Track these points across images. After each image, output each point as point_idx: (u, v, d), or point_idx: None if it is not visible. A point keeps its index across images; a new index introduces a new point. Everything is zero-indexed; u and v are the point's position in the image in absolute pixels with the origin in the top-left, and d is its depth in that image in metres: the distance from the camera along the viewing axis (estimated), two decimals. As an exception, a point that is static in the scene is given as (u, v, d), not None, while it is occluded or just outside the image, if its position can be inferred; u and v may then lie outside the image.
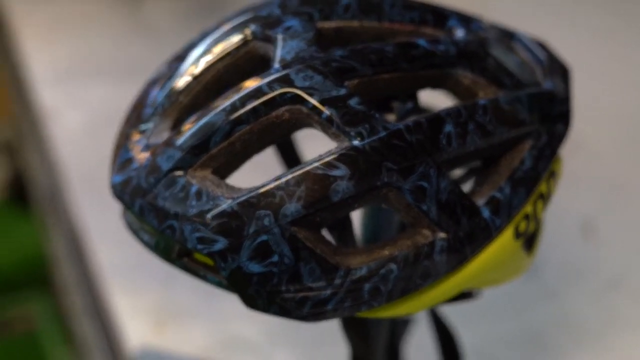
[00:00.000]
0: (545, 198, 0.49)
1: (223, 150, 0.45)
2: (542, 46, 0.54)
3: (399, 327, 0.66)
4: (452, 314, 0.82)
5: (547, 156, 0.48)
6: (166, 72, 0.50)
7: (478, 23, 0.51)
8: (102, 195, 0.67)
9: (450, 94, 0.49)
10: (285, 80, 0.44)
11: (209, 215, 0.43)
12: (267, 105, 0.44)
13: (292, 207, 0.43)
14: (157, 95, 0.49)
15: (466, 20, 0.51)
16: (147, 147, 0.47)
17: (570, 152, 1.00)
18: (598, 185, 0.97)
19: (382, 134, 0.43)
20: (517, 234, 0.48)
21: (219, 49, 0.48)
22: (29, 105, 1.18)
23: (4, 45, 1.27)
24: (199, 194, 0.44)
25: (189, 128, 0.45)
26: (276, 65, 0.46)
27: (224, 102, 0.45)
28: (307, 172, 0.43)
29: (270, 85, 0.44)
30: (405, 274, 0.44)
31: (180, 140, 0.45)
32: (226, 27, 0.49)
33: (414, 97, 0.49)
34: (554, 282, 0.85)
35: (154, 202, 0.45)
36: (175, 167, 0.45)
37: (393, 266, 0.44)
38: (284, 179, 0.43)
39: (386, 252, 0.45)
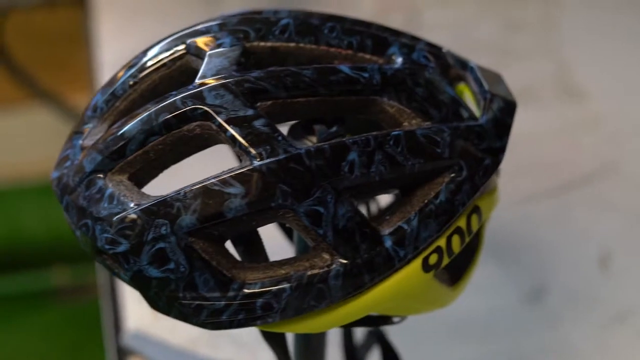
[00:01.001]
0: (463, 233, 0.49)
1: (138, 157, 0.47)
2: (496, 79, 0.54)
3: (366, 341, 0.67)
4: (446, 330, 0.82)
5: (466, 191, 0.48)
6: (113, 77, 0.52)
7: (422, 52, 0.51)
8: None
9: (378, 121, 0.50)
10: (198, 97, 0.46)
11: (115, 219, 0.46)
12: (178, 119, 0.46)
13: (187, 219, 0.45)
14: (99, 98, 0.51)
15: (409, 48, 0.51)
16: (81, 148, 0.50)
17: (602, 175, 0.98)
18: (625, 212, 0.94)
19: (281, 156, 0.45)
20: (427, 267, 0.48)
21: (158, 59, 0.50)
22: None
23: (86, 28, 1.33)
24: (111, 197, 0.47)
25: (111, 134, 0.48)
26: (196, 81, 0.47)
27: (143, 113, 0.47)
28: (205, 187, 0.45)
29: (184, 100, 0.46)
30: (298, 295, 0.46)
31: (102, 145, 0.48)
32: (171, 38, 0.51)
33: (340, 121, 0.50)
34: (559, 308, 0.84)
35: (76, 200, 0.48)
36: (96, 170, 0.48)
37: (286, 285, 0.46)
38: (183, 191, 0.45)
39: (282, 271, 0.46)
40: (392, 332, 0.69)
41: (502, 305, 0.85)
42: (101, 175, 0.48)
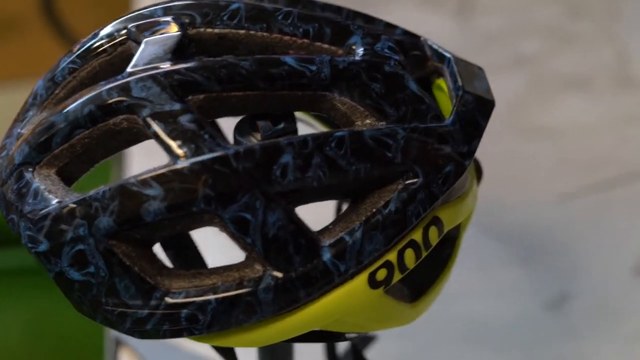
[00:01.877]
0: (419, 248, 0.45)
1: (65, 151, 0.44)
2: (475, 75, 0.49)
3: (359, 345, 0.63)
4: (461, 333, 0.77)
5: (421, 200, 0.44)
6: (56, 63, 0.49)
7: (388, 43, 0.47)
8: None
9: (331, 119, 0.46)
10: (124, 89, 0.43)
11: (37, 216, 0.43)
12: (103, 112, 0.43)
13: (104, 221, 0.41)
14: (40, 85, 0.48)
15: (373, 38, 0.47)
16: (17, 137, 0.47)
17: (631, 180, 0.91)
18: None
19: (206, 156, 0.41)
20: (374, 283, 0.44)
21: (99, 45, 0.47)
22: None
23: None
24: (35, 193, 0.44)
25: (40, 125, 0.45)
26: (127, 70, 0.44)
27: (70, 104, 0.44)
28: (123, 186, 0.41)
29: (110, 92, 0.43)
30: (224, 308, 0.42)
31: (31, 137, 0.45)
32: (115, 22, 0.48)
33: (288, 118, 0.46)
34: (582, 317, 0.78)
35: (6, 192, 0.45)
36: (25, 162, 0.45)
37: (212, 297, 0.42)
38: (102, 190, 0.42)
39: (209, 281, 0.43)
40: (402, 334, 0.64)
41: (522, 311, 0.79)
42: (30, 168, 0.45)
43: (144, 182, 0.41)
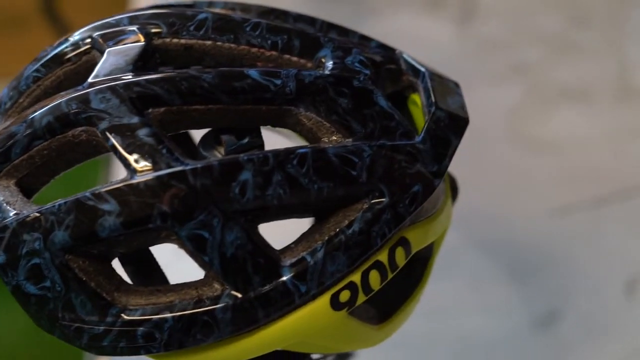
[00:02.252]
0: (385, 269, 0.43)
1: (24, 162, 0.43)
2: (449, 90, 0.47)
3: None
4: (445, 350, 0.76)
5: (386, 221, 0.42)
6: (22, 71, 0.48)
7: (359, 56, 0.45)
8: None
9: (297, 135, 0.44)
10: (83, 100, 0.42)
11: None
12: (61, 124, 0.42)
13: (59, 236, 0.40)
14: (4, 93, 0.47)
15: (343, 51, 0.45)
16: None
17: (627, 196, 0.89)
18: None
19: (162, 172, 0.40)
20: (337, 305, 0.42)
21: (63, 54, 0.46)
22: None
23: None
24: None
25: (0, 134, 0.44)
26: (88, 81, 0.43)
27: (30, 114, 0.43)
28: (79, 200, 0.40)
29: (68, 103, 0.42)
30: (181, 326, 0.41)
31: None
32: (82, 30, 0.47)
33: (254, 132, 0.44)
34: (572, 336, 0.76)
35: None
36: None
37: (168, 315, 0.41)
38: (58, 204, 0.41)
39: (166, 299, 0.42)
40: (389, 349, 0.63)
41: (510, 328, 0.78)
42: None
43: (100, 197, 0.40)
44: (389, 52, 0.49)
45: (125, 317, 0.41)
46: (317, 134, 0.43)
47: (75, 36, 0.46)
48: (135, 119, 0.41)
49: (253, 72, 0.42)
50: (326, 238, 0.42)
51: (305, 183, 0.41)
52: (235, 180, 0.40)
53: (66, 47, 0.45)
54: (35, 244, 0.41)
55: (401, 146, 0.43)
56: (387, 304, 0.47)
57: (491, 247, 0.85)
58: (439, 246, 0.49)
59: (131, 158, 0.40)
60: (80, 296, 0.41)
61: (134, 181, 0.40)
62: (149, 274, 0.44)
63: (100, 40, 0.45)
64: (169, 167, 0.40)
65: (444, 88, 0.47)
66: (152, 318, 0.41)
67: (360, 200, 0.42)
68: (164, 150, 0.40)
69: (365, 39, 0.49)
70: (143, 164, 0.40)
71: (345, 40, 0.47)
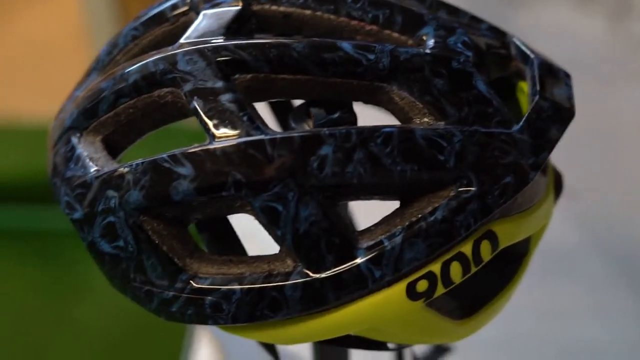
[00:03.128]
0: (468, 262, 0.41)
1: (110, 119, 0.43)
2: (558, 80, 0.44)
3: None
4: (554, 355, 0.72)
5: (472, 211, 0.40)
6: (122, 29, 0.48)
7: (463, 37, 0.43)
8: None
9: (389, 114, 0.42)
10: (170, 61, 0.41)
11: (75, 183, 0.42)
12: (147, 83, 0.42)
13: (134, 195, 0.40)
14: (104, 50, 0.47)
15: (447, 30, 0.43)
16: (75, 99, 0.46)
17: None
18: None
19: (241, 139, 0.39)
20: (413, 294, 0.40)
21: (163, 14, 0.46)
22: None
23: None
24: (78, 159, 0.43)
25: (90, 90, 0.44)
26: (179, 42, 0.42)
27: (120, 71, 0.43)
28: (155, 162, 0.40)
29: (156, 62, 0.41)
30: (250, 299, 0.40)
31: (81, 101, 0.44)
32: None
33: (346, 107, 0.43)
34: None
35: (55, 155, 0.45)
36: (72, 127, 0.44)
37: (237, 287, 0.40)
38: (135, 163, 0.40)
39: (237, 270, 0.41)
40: (486, 347, 0.61)
41: (625, 340, 0.73)
42: (77, 133, 0.44)
43: (176, 160, 0.39)
44: (499, 36, 0.46)
45: (194, 284, 0.40)
46: (409, 114, 0.41)
47: None
48: (219, 84, 0.40)
49: (346, 45, 0.40)
50: (407, 223, 0.40)
51: (388, 163, 0.39)
52: (315, 154, 0.38)
53: (166, 7, 0.45)
54: (111, 202, 0.41)
55: (496, 134, 0.40)
56: (471, 299, 0.45)
57: (617, 253, 0.80)
58: (536, 243, 0.46)
59: (211, 123, 0.39)
60: (151, 259, 0.41)
61: (211, 146, 0.39)
62: (226, 243, 0.43)
63: (199, 1, 0.44)
64: (248, 135, 0.39)
65: (552, 77, 0.44)
66: (220, 288, 0.40)
67: (447, 187, 0.40)
68: (245, 118, 0.39)
69: (476, 20, 0.46)
70: (222, 130, 0.39)
71: (452, 19, 0.45)
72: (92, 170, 0.42)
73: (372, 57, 0.40)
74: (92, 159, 0.43)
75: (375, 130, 0.39)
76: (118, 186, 0.41)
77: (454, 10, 0.46)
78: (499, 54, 0.45)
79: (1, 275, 1.44)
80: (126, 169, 0.41)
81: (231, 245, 0.43)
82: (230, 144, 0.39)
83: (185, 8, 0.45)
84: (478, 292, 0.45)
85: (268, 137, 0.39)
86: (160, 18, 0.45)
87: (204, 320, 0.41)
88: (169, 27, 0.45)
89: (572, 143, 0.89)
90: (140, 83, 0.41)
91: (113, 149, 0.44)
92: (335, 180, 0.39)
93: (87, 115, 0.43)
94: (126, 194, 0.40)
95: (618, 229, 0.83)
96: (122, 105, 0.42)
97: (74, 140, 0.44)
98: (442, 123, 0.40)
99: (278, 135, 0.39)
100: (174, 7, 0.45)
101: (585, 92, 0.99)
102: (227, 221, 0.43)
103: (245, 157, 0.38)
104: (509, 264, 0.46)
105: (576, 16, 1.09)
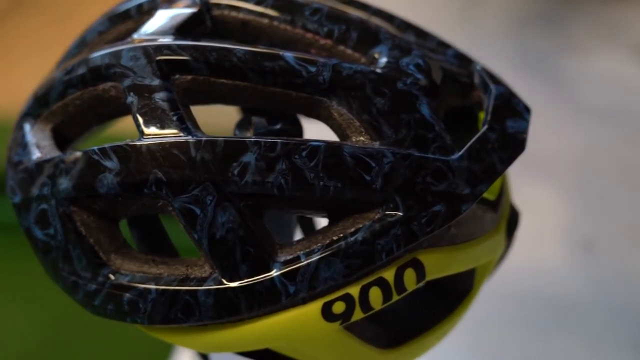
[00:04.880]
0: (389, 289, 0.39)
1: (60, 109, 0.44)
2: (515, 113, 0.43)
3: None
4: None
5: (396, 236, 0.39)
6: (92, 23, 0.48)
7: (418, 60, 0.42)
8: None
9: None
10: (116, 56, 0.41)
11: (19, 167, 0.43)
12: (93, 75, 0.42)
13: (65, 184, 0.41)
14: (73, 44, 0.48)
15: (403, 51, 0.42)
16: None
17: None
18: None
19: (166, 139, 0.38)
20: (329, 315, 0.39)
21: (128, 10, 0.46)
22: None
23: None
24: (25, 145, 0.44)
25: (46, 79, 0.44)
26: (130, 37, 0.42)
27: (71, 63, 0.43)
28: (86, 153, 0.40)
29: (103, 56, 0.42)
30: (164, 301, 0.40)
31: (38, 88, 0.45)
32: None
33: (290, 119, 0.42)
34: None
35: (10, 139, 0.45)
36: (27, 113, 0.45)
37: (153, 287, 0.40)
38: (68, 153, 0.41)
39: (157, 270, 0.41)
40: None
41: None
42: (31, 120, 0.45)
43: (105, 153, 0.39)
44: (464, 63, 0.45)
45: (114, 279, 0.40)
46: (346, 131, 0.40)
47: None
48: (156, 82, 0.40)
49: (288, 55, 0.40)
50: (327, 241, 0.39)
51: (310, 177, 0.38)
52: (237, 160, 0.38)
53: (132, 6, 0.45)
54: (44, 189, 0.41)
55: (431, 160, 0.39)
56: (400, 329, 0.43)
57: (623, 309, 0.77)
58: (482, 280, 0.45)
59: (142, 120, 0.39)
60: (77, 249, 0.41)
61: (138, 143, 0.39)
62: (154, 243, 0.43)
63: (161, 1, 0.44)
64: (174, 135, 0.38)
65: (509, 109, 0.43)
66: (137, 286, 0.40)
67: (374, 209, 0.39)
68: (175, 118, 0.39)
69: (443, 46, 0.45)
70: (151, 128, 0.39)
71: (414, 41, 0.44)
72: (34, 157, 0.43)
73: (313, 69, 0.40)
74: (39, 146, 0.43)
75: (302, 143, 0.38)
76: (52, 174, 0.41)
77: (422, 33, 0.46)
78: (460, 82, 0.44)
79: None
80: (61, 158, 0.41)
81: (159, 245, 0.43)
82: (156, 142, 0.38)
83: (148, 7, 0.45)
84: (408, 323, 0.43)
85: (193, 138, 0.38)
86: (125, 15, 0.45)
87: (123, 317, 0.41)
88: (133, 24, 0.45)
89: (593, 193, 0.87)
90: (87, 75, 0.42)
91: (63, 139, 0.44)
92: (256, 189, 0.38)
93: (40, 103, 0.44)
94: (57, 183, 0.41)
95: (634, 285, 0.80)
96: (70, 95, 0.43)
97: (27, 126, 0.44)
98: (377, 143, 0.39)
99: (203, 138, 0.38)
100: (140, 6, 0.45)
101: (626, 144, 0.96)
102: (159, 221, 0.43)
103: (167, 157, 0.38)
104: (449, 299, 0.44)
105: (629, 67, 1.06)
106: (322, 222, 0.42)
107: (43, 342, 1.25)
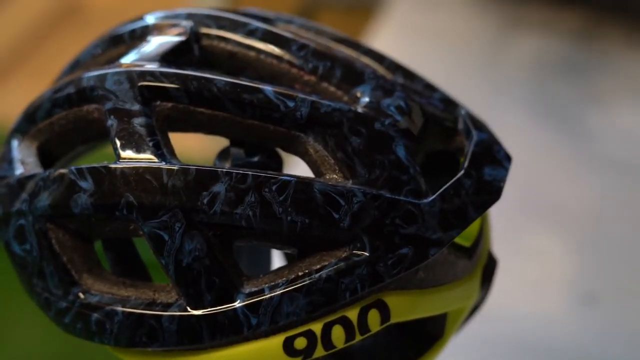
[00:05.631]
0: (352, 328, 0.39)
1: (45, 127, 0.45)
2: (494, 160, 0.43)
3: None
4: None
5: (360, 276, 0.39)
6: (88, 46, 0.49)
7: (400, 101, 0.42)
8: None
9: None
10: (101, 79, 0.42)
11: (2, 182, 0.44)
12: (79, 96, 0.43)
13: (42, 201, 0.41)
14: (68, 65, 0.49)
15: (385, 92, 0.42)
16: None
17: None
18: None
19: (140, 163, 0.39)
20: (291, 350, 0.39)
21: (122, 35, 0.47)
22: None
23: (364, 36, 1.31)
24: (11, 160, 0.45)
25: (37, 97, 0.45)
26: (119, 61, 0.43)
27: (60, 82, 0.44)
28: (64, 173, 0.41)
29: (89, 78, 0.42)
30: (129, 324, 0.40)
31: (28, 106, 0.46)
32: (146, 16, 0.47)
33: (268, 152, 0.43)
34: None
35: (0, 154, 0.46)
36: (16, 129, 0.46)
37: (119, 309, 0.40)
38: (49, 171, 0.42)
39: (125, 292, 0.41)
40: None
41: None
42: (20, 136, 0.46)
43: (81, 173, 0.40)
44: (450, 108, 0.45)
45: (84, 299, 0.41)
46: (320, 168, 0.40)
47: (139, 21, 0.46)
48: (136, 107, 0.40)
49: (268, 89, 0.40)
50: (292, 276, 0.39)
51: (278, 211, 0.38)
52: (207, 190, 0.38)
53: (125, 32, 0.46)
54: (23, 205, 0.42)
55: (402, 202, 0.39)
56: None
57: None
58: (453, 328, 0.44)
59: (119, 143, 0.40)
60: (50, 266, 0.42)
61: (112, 166, 0.39)
62: (127, 265, 0.43)
63: (152, 29, 0.45)
64: (149, 160, 0.39)
65: (489, 157, 0.43)
66: (105, 307, 0.40)
67: (341, 248, 0.39)
68: (152, 143, 0.39)
69: (430, 89, 0.45)
70: (127, 152, 0.39)
71: (401, 83, 0.44)
72: (17, 172, 0.43)
73: (291, 104, 0.40)
74: (23, 162, 0.44)
75: (273, 177, 0.39)
76: (30, 191, 0.42)
77: (411, 75, 0.46)
78: (443, 126, 0.44)
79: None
80: (41, 176, 0.42)
81: (131, 268, 0.43)
82: (130, 166, 0.39)
83: (141, 33, 0.46)
84: None
85: (167, 165, 0.39)
86: (118, 40, 0.46)
87: (91, 337, 0.41)
88: (124, 49, 0.46)
89: (601, 245, 0.86)
90: (73, 96, 0.43)
91: (49, 157, 0.45)
92: (224, 219, 0.38)
93: (28, 120, 0.45)
94: (36, 200, 0.41)
95: (636, 341, 0.78)
96: (56, 115, 0.44)
97: (14, 142, 0.45)
98: (350, 182, 0.40)
99: (177, 166, 0.39)
100: (133, 31, 0.46)
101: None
102: (132, 244, 0.43)
103: (140, 181, 0.39)
104: (419, 342, 0.44)
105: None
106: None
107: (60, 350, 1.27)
